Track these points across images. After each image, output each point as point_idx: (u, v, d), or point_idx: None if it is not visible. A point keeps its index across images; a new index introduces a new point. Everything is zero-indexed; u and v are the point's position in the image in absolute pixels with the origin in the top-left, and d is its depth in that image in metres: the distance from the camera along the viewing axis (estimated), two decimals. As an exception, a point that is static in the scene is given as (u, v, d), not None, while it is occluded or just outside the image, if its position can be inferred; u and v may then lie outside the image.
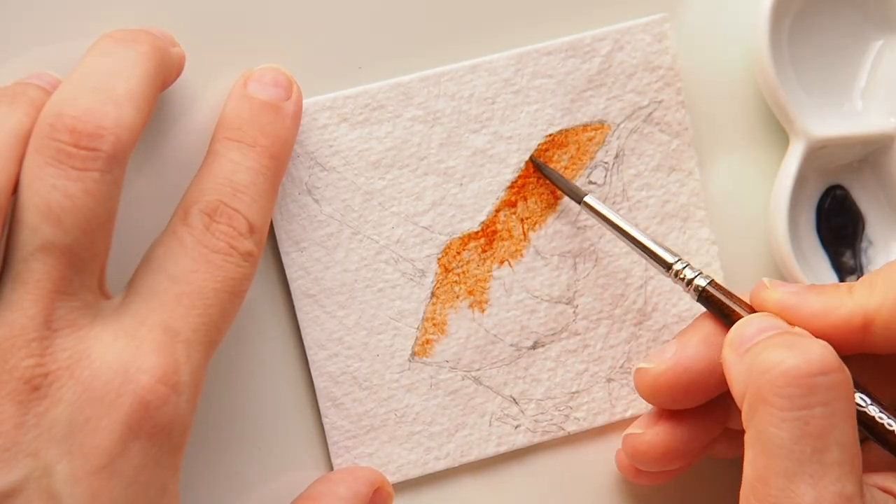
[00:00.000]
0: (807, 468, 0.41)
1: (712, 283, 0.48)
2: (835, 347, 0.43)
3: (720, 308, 0.48)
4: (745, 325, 0.45)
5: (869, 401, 0.45)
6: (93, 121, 0.40)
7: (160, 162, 0.49)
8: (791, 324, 0.46)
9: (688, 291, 0.48)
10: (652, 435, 0.49)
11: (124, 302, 0.43)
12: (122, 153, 0.41)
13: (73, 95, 0.41)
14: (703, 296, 0.48)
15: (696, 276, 0.48)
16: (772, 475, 0.41)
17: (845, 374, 0.42)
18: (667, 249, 0.49)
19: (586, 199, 0.50)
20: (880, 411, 0.45)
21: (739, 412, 0.44)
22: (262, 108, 0.47)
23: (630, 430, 0.50)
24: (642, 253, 0.49)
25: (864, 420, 0.44)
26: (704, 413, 0.49)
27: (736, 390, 0.44)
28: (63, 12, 0.48)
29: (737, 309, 0.47)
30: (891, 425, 0.44)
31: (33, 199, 0.40)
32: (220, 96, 0.49)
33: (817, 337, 0.44)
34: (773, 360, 0.42)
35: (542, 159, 0.52)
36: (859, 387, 0.45)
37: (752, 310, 0.47)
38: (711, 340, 0.47)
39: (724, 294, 0.48)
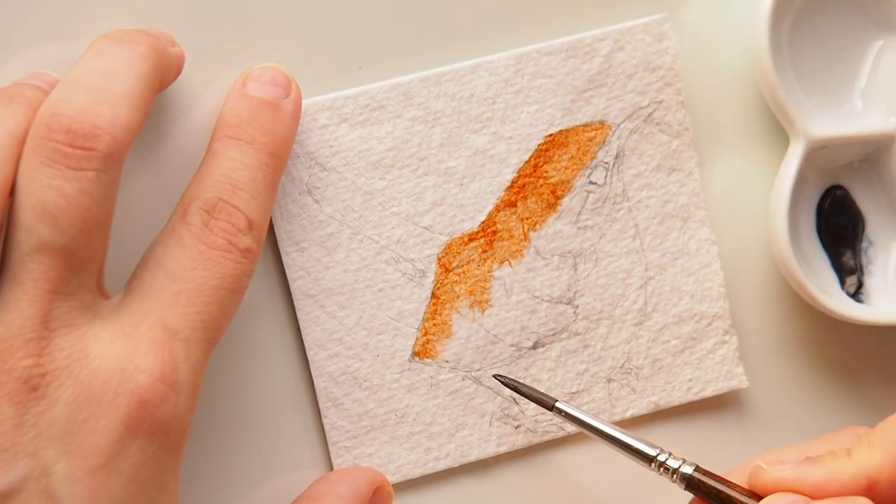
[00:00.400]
0: None
1: (698, 469, 0.47)
2: None
3: (715, 494, 0.46)
4: (779, 497, 0.45)
5: None
6: (88, 121, 0.40)
7: (159, 161, 0.49)
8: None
9: (674, 482, 0.47)
10: None
11: (123, 301, 0.43)
12: (118, 153, 0.41)
13: (68, 95, 0.41)
14: (693, 484, 0.47)
15: (680, 466, 0.47)
16: None
17: None
18: (646, 443, 0.48)
19: (557, 404, 0.49)
20: None
21: None
22: (260, 107, 0.47)
23: None
24: (621, 450, 0.48)
25: None
26: None
27: None
28: (63, 12, 0.48)
29: (734, 494, 0.46)
30: None
31: (30, 199, 0.40)
32: (219, 96, 0.49)
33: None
34: None
35: (542, 159, 0.52)
36: None
37: (747, 491, 0.46)
38: None
39: (714, 479, 0.47)
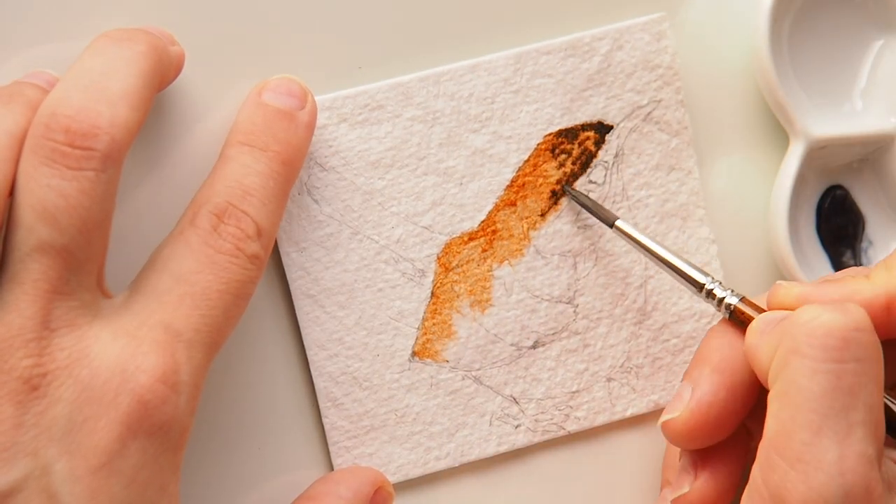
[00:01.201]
0: (833, 424, 0.41)
1: (743, 300, 0.47)
2: None
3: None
4: (770, 313, 0.46)
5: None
6: (87, 120, 0.40)
7: (171, 167, 0.49)
8: None
9: (720, 311, 0.48)
10: (699, 487, 0.48)
11: (126, 301, 0.43)
12: (118, 152, 0.41)
13: (67, 95, 0.41)
14: (735, 314, 0.47)
15: (726, 296, 0.47)
16: (797, 428, 0.41)
17: (878, 342, 0.42)
18: (699, 270, 0.48)
19: (617, 223, 0.50)
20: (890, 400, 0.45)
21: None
22: (275, 116, 0.47)
23: (676, 492, 0.49)
24: (674, 274, 0.49)
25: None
26: (737, 443, 0.49)
27: (762, 361, 0.44)
28: (63, 12, 0.48)
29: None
30: None
31: (29, 199, 0.40)
32: (225, 103, 0.49)
33: None
34: (810, 314, 0.42)
35: (541, 159, 0.52)
36: None
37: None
38: (723, 367, 0.47)
39: (755, 309, 0.47)
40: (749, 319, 0.46)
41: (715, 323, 0.50)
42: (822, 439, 0.41)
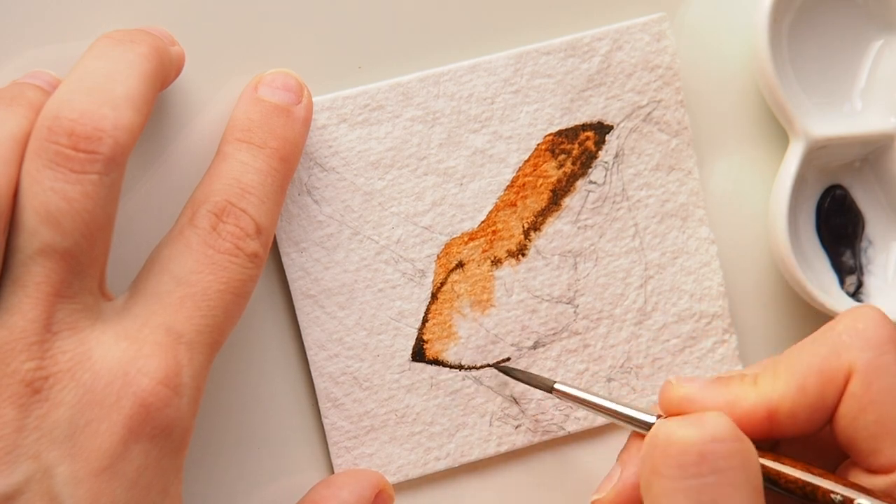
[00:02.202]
0: None
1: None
2: (748, 434, 0.42)
3: None
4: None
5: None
6: (91, 123, 0.40)
7: (168, 165, 0.49)
8: None
9: None
10: None
11: (127, 303, 0.43)
12: (121, 155, 0.41)
13: (70, 97, 0.41)
14: None
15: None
16: None
17: (743, 443, 0.42)
18: (645, 412, 0.47)
19: (556, 385, 0.49)
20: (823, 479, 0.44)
21: None
22: (272, 112, 0.47)
23: None
24: (623, 422, 0.48)
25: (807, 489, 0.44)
26: None
27: (641, 484, 0.44)
28: (63, 12, 0.48)
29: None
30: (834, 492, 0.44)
31: (32, 202, 0.40)
32: (223, 99, 0.49)
33: None
34: (665, 433, 0.42)
35: (541, 159, 0.52)
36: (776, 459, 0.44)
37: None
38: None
39: None
40: None
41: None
42: None
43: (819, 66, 0.54)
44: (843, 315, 0.45)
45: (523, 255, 0.52)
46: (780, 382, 0.45)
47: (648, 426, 0.47)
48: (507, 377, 0.52)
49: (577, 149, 0.52)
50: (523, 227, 0.52)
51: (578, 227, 0.53)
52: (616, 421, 0.48)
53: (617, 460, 0.47)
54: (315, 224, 0.50)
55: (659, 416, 0.47)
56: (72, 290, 0.40)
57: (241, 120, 0.46)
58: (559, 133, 0.52)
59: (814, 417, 0.44)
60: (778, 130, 0.54)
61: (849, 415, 0.44)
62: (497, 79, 0.52)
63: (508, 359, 0.52)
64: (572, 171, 0.52)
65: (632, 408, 0.47)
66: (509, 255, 0.52)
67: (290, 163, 0.46)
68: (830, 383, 0.44)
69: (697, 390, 0.46)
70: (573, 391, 0.49)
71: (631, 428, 0.47)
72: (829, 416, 0.44)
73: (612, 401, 0.48)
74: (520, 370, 0.51)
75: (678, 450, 0.41)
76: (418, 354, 0.51)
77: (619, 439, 0.53)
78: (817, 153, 0.53)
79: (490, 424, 0.52)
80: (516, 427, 0.52)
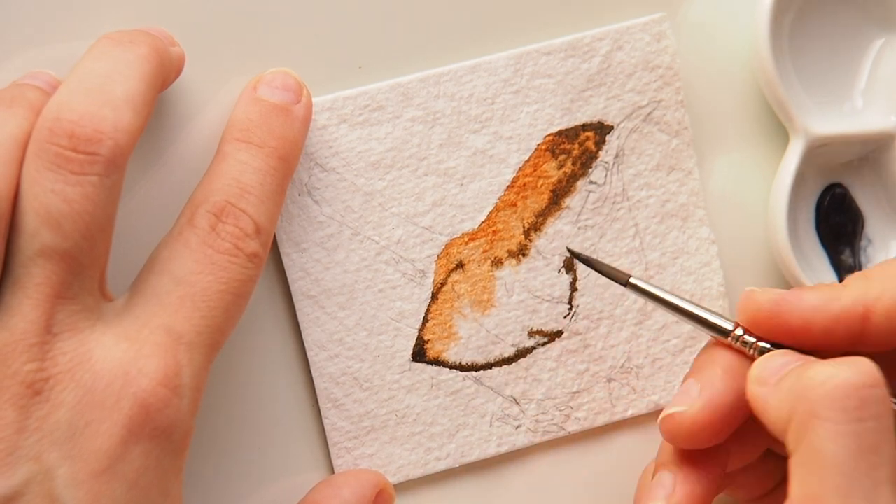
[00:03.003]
0: (861, 485, 0.40)
1: (775, 344, 0.46)
2: (835, 343, 0.42)
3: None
4: (770, 359, 0.44)
5: None
6: (91, 125, 0.40)
7: (167, 165, 0.49)
8: (790, 323, 0.45)
9: (752, 355, 0.46)
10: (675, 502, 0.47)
11: (127, 304, 0.43)
12: (121, 157, 0.41)
13: (71, 99, 0.41)
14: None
15: (757, 340, 0.46)
16: (826, 493, 0.40)
17: (887, 391, 0.41)
18: (722, 317, 0.47)
19: (631, 280, 0.48)
20: None
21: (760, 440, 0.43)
22: (271, 111, 0.47)
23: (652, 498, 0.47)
24: (697, 325, 0.47)
25: None
26: (715, 463, 0.48)
27: (776, 419, 0.43)
28: (63, 12, 0.48)
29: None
30: None
31: (32, 203, 0.40)
32: (223, 99, 0.49)
33: (818, 332, 0.44)
34: (824, 374, 0.41)
35: (542, 159, 0.52)
36: None
37: None
38: (732, 373, 0.46)
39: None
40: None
41: (705, 337, 0.49)
42: (853, 500, 0.40)
43: (820, 65, 0.54)
44: None
45: (524, 255, 0.52)
46: (874, 284, 0.44)
47: (727, 333, 0.46)
48: (507, 377, 0.52)
49: (578, 149, 0.52)
50: (524, 227, 0.52)
51: (579, 228, 0.52)
52: (692, 324, 0.47)
53: (689, 375, 0.47)
54: (315, 224, 0.50)
55: (737, 325, 0.46)
56: (72, 292, 0.40)
57: (240, 119, 0.46)
58: (559, 133, 0.52)
59: None
60: (778, 131, 0.54)
61: None
62: (497, 79, 0.52)
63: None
64: (572, 171, 0.52)
65: (710, 311, 0.47)
66: (510, 256, 0.52)
67: (289, 162, 0.46)
68: None
69: (787, 294, 0.45)
70: (649, 287, 0.48)
71: (710, 334, 0.47)
72: None
73: (690, 302, 0.47)
74: (597, 260, 0.50)
75: (842, 393, 0.40)
76: (419, 355, 0.51)
77: (620, 440, 0.53)
78: (817, 151, 0.53)
79: (490, 425, 0.52)
80: (516, 427, 0.52)
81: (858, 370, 0.41)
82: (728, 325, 0.46)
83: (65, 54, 0.47)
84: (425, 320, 0.51)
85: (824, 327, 0.45)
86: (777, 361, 0.44)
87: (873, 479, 0.40)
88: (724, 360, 0.46)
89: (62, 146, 0.40)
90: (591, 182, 0.53)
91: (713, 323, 0.47)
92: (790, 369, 0.43)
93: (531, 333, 0.52)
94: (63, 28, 0.48)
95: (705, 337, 0.54)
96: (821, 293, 0.45)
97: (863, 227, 0.56)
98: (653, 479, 0.48)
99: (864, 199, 0.56)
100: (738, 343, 0.46)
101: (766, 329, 0.46)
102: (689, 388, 0.46)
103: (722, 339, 0.46)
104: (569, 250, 0.52)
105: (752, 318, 0.46)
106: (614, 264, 0.53)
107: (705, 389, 0.46)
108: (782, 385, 0.43)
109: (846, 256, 0.55)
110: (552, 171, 0.52)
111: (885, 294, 0.44)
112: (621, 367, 0.53)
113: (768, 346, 0.46)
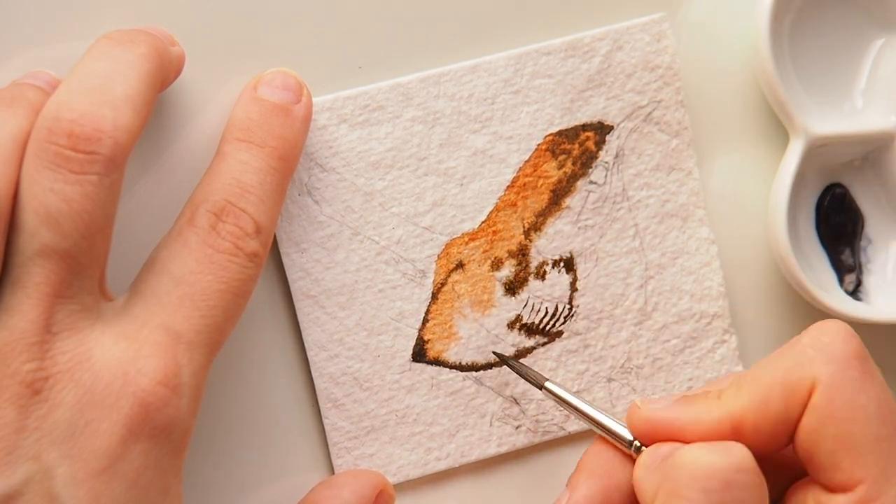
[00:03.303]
0: None
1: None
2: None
3: None
4: (659, 447, 0.45)
5: None
6: (90, 124, 0.40)
7: (167, 165, 0.49)
8: (666, 436, 0.45)
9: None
10: None
11: (127, 304, 0.43)
12: (121, 156, 0.41)
13: (70, 98, 0.41)
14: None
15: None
16: None
17: (761, 479, 0.42)
18: (625, 426, 0.47)
19: (546, 384, 0.49)
20: None
21: None
22: (272, 111, 0.47)
23: None
24: (603, 433, 0.47)
25: None
26: None
27: (644, 498, 0.44)
28: (63, 12, 0.48)
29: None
30: None
31: (32, 203, 0.40)
32: (223, 99, 0.49)
33: (697, 440, 0.44)
34: (691, 456, 0.42)
35: (542, 159, 0.52)
36: None
37: None
38: (598, 473, 0.47)
39: None
40: None
41: (705, 337, 0.49)
42: None
43: (820, 65, 0.54)
44: (810, 329, 0.45)
45: (524, 255, 0.52)
46: (743, 396, 0.45)
47: (628, 443, 0.47)
48: (508, 377, 0.52)
49: (578, 149, 0.52)
50: (524, 227, 0.52)
51: (579, 228, 0.53)
52: (596, 430, 0.48)
53: (566, 485, 0.47)
54: (315, 224, 0.50)
55: (635, 438, 0.47)
56: (71, 291, 0.40)
57: (240, 119, 0.46)
58: (559, 133, 0.52)
59: (778, 431, 0.44)
60: (778, 131, 0.54)
61: (810, 428, 0.43)
62: (497, 79, 0.52)
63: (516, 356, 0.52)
64: (573, 171, 0.52)
65: (616, 422, 0.47)
66: (510, 256, 0.52)
67: (289, 162, 0.46)
68: (794, 396, 0.44)
69: (662, 410, 0.46)
70: (561, 392, 0.49)
71: (611, 440, 0.47)
72: (793, 431, 0.44)
73: (597, 409, 0.48)
74: (517, 361, 0.51)
75: (705, 475, 0.41)
76: (419, 355, 0.51)
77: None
78: (817, 151, 0.53)
79: (490, 425, 0.52)
80: (516, 427, 0.52)
81: (726, 454, 0.42)
82: (629, 436, 0.47)
83: (65, 54, 0.47)
84: (425, 320, 0.51)
85: (700, 438, 0.45)
86: (664, 449, 0.45)
87: None
88: (591, 464, 0.47)
89: (62, 145, 0.40)
90: (591, 182, 0.53)
91: (617, 433, 0.47)
92: (671, 451, 0.44)
93: (531, 333, 0.52)
94: (63, 28, 0.48)
95: (705, 337, 0.54)
96: (695, 408, 0.46)
97: (863, 227, 0.56)
98: None
99: (864, 199, 0.56)
100: (637, 452, 0.47)
101: (651, 441, 0.46)
102: (560, 498, 0.47)
103: (625, 448, 0.47)
104: (495, 353, 0.52)
105: (636, 431, 0.46)
106: (614, 264, 0.53)
107: (573, 496, 0.46)
108: (658, 467, 0.44)
109: (846, 256, 0.55)
110: (552, 171, 0.52)
111: (751, 406, 0.44)
112: (621, 367, 0.53)
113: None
